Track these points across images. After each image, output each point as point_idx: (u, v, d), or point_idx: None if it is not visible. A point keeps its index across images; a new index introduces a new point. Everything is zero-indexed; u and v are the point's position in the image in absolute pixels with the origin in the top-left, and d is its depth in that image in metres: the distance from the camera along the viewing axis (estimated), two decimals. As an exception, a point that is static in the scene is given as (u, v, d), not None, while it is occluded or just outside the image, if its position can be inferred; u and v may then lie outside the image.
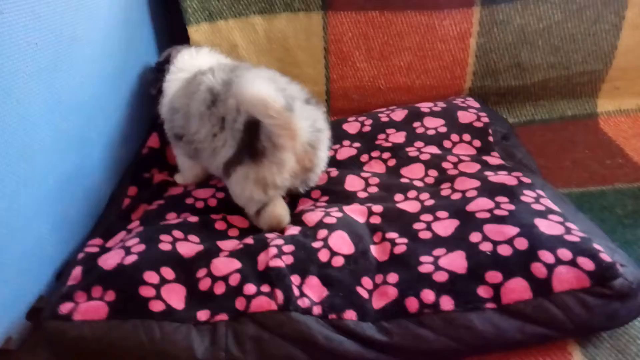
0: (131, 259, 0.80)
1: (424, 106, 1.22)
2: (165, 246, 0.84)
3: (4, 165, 0.75)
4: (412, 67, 1.34)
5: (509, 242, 0.76)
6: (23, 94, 0.79)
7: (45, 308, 0.77)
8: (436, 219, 0.87)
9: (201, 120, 0.93)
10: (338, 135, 1.18)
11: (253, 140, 0.86)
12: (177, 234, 0.88)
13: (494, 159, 1.05)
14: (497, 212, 0.84)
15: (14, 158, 0.77)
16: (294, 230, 0.89)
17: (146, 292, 0.76)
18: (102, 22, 1.05)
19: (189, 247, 0.85)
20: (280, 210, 0.93)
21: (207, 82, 0.95)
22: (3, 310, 0.76)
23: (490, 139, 1.12)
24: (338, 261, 0.80)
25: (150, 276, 0.78)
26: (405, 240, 0.84)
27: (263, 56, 1.36)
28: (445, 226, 0.85)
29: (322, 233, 0.85)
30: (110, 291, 0.76)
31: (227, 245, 0.87)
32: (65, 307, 0.75)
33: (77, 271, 0.83)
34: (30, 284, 0.83)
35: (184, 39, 1.31)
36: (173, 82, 1.08)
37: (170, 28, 1.40)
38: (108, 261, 0.80)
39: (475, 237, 0.80)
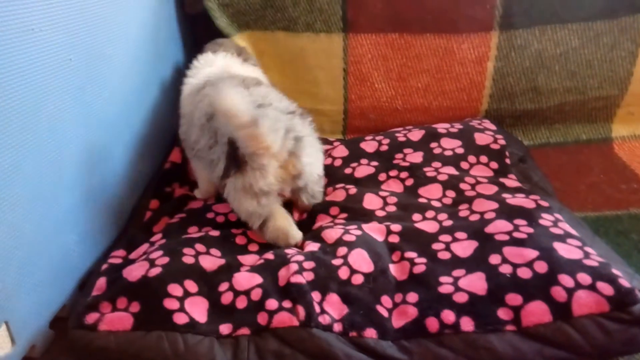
0: (155, 271, 0.82)
1: (441, 127, 1.24)
2: (188, 259, 0.86)
3: (37, 178, 0.78)
4: (430, 88, 1.36)
5: (529, 265, 0.77)
6: (55, 108, 0.82)
7: (70, 317, 0.79)
8: (455, 239, 0.88)
9: (201, 131, 0.96)
10: (356, 154, 1.21)
11: (236, 151, 0.88)
12: (200, 247, 0.90)
13: (511, 182, 1.06)
14: (516, 234, 0.85)
15: (46, 171, 0.80)
16: (314, 246, 0.91)
17: (170, 304, 0.77)
18: (132, 39, 1.08)
19: (211, 261, 0.87)
20: (282, 222, 0.94)
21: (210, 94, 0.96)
22: (28, 319, 0.78)
23: (507, 161, 1.13)
24: (358, 279, 0.82)
25: (174, 289, 0.79)
26: (424, 260, 0.85)
27: (285, 71, 1.39)
28: (464, 247, 0.86)
29: (342, 250, 0.87)
30: (135, 302, 0.78)
31: (248, 259, 0.89)
32: (91, 317, 0.76)
33: (101, 282, 0.85)
34: (55, 294, 0.85)
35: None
36: (187, 85, 1.11)
37: (198, 43, 1.43)
38: (133, 273, 0.82)
39: (494, 259, 0.81)
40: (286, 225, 0.94)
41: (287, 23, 1.33)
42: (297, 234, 0.95)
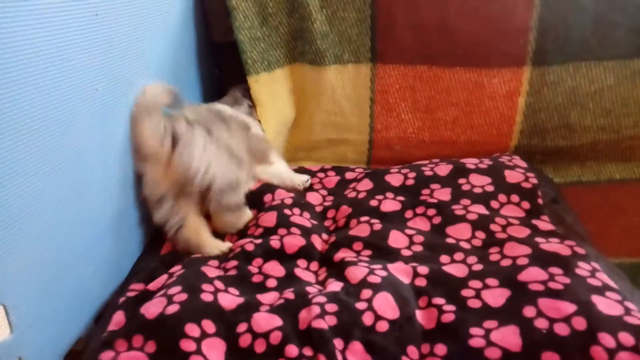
0: (173, 308, 0.79)
1: (470, 162, 1.20)
2: (207, 296, 0.83)
3: (58, 207, 0.76)
4: (458, 121, 1.33)
5: (566, 320, 0.73)
6: (80, 135, 0.81)
7: (85, 353, 0.77)
8: (485, 286, 0.84)
9: None
10: (381, 187, 1.18)
11: None
12: (219, 284, 0.87)
13: (544, 224, 1.02)
14: (552, 285, 0.81)
15: (67, 200, 0.79)
16: (336, 286, 0.87)
17: (187, 345, 0.74)
18: (153, 68, 1.08)
19: (230, 300, 0.84)
20: (190, 232, 0.95)
21: None
22: (42, 351, 0.76)
23: (540, 201, 1.09)
24: (383, 326, 0.78)
25: (192, 329, 0.76)
26: (453, 307, 0.81)
27: (309, 104, 1.37)
28: (496, 295, 0.82)
29: (366, 293, 0.83)
30: (151, 342, 0.75)
31: (267, 298, 0.86)
32: (106, 356, 0.74)
33: (118, 316, 0.83)
34: (70, 327, 0.83)
35: (229, 83, 1.37)
36: None
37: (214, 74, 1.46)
38: (150, 309, 0.80)
39: (529, 311, 0.76)
40: (194, 236, 0.94)
41: (313, 56, 1.32)
42: (211, 248, 0.95)
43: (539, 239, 0.95)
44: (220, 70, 1.48)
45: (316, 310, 0.79)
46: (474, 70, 1.28)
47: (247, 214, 1.11)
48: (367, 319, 0.79)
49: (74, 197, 0.80)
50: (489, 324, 0.76)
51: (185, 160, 0.94)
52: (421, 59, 1.29)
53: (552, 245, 0.92)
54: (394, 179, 1.20)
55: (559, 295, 0.78)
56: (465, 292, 0.84)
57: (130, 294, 0.89)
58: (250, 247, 0.99)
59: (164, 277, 0.91)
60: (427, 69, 1.30)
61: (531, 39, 1.24)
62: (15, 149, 0.67)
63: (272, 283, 0.92)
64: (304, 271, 0.96)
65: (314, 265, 0.99)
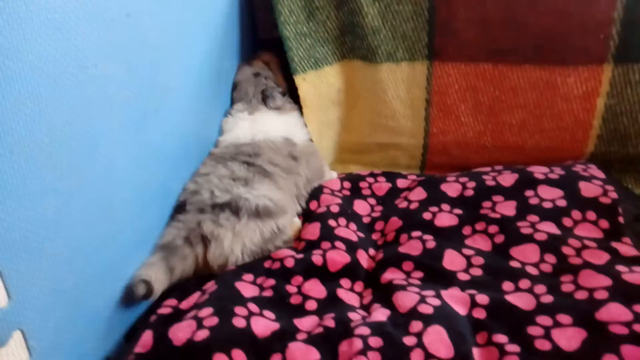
0: (202, 334, 0.73)
1: (538, 171, 1.07)
2: (239, 321, 0.76)
3: (84, 223, 0.71)
4: (526, 125, 1.20)
5: (659, 377, 0.61)
6: (111, 146, 0.76)
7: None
8: (557, 324, 0.73)
9: None
10: (436, 197, 1.07)
11: None
12: (253, 307, 0.80)
13: (626, 248, 0.88)
14: (638, 328, 0.68)
15: (95, 216, 0.73)
16: (382, 314, 0.78)
17: (214, 378, 0.68)
18: (194, 70, 1.02)
19: (264, 325, 0.77)
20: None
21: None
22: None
23: (621, 219, 0.94)
24: (434, 367, 0.68)
25: (220, 359, 0.70)
26: (517, 348, 0.70)
27: (359, 104, 1.28)
28: (569, 337, 0.70)
29: (416, 326, 0.74)
30: (177, 372, 0.69)
31: (305, 324, 0.78)
32: (127, 384, 0.68)
33: (147, 336, 0.77)
34: (96, 347, 0.78)
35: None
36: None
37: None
38: (178, 335, 0.73)
39: (610, 361, 0.64)
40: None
41: (364, 52, 1.22)
42: None
43: (620, 268, 0.81)
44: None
45: (358, 344, 0.70)
46: (545, 68, 1.14)
47: (295, 224, 1.06)
48: (416, 357, 0.69)
49: (102, 214, 0.75)
50: (561, 373, 0.65)
51: (220, 258, 0.93)
52: (485, 56, 1.16)
53: (638, 277, 0.78)
54: (451, 188, 1.09)
55: (647, 343, 0.65)
56: (532, 330, 0.72)
57: (163, 311, 0.84)
58: (290, 263, 0.92)
59: (197, 294, 0.86)
60: (491, 67, 1.17)
61: (613, 32, 1.09)
62: (34, 166, 0.61)
63: (311, 305, 0.84)
64: (347, 292, 0.88)
65: (359, 286, 0.90)
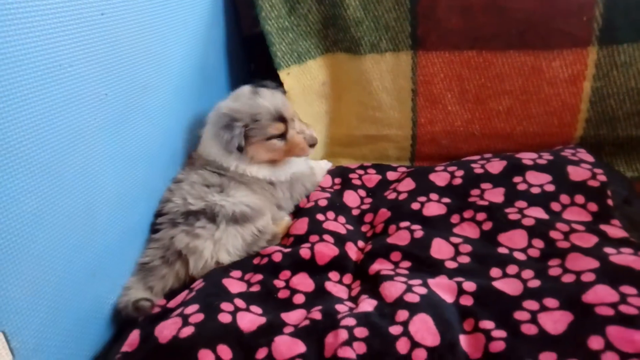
0: (188, 331, 0.73)
1: (526, 157, 1.06)
2: (224, 317, 0.76)
3: (64, 224, 0.71)
4: (513, 112, 1.19)
5: (643, 356, 0.60)
6: (89, 146, 0.76)
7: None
8: (543, 308, 0.72)
9: None
10: (424, 187, 1.06)
11: None
12: (239, 302, 0.80)
13: (614, 230, 0.88)
14: (623, 308, 0.67)
15: (75, 217, 0.73)
16: (369, 305, 0.78)
17: (199, 374, 0.68)
18: (176, 70, 1.01)
19: (250, 320, 0.76)
20: None
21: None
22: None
23: (609, 202, 0.94)
24: (420, 355, 0.68)
25: (205, 355, 0.69)
26: (503, 333, 0.69)
27: (345, 97, 1.28)
28: (555, 320, 0.70)
29: (402, 315, 0.73)
30: (162, 369, 0.69)
31: (292, 318, 0.78)
32: (113, 383, 0.68)
33: (134, 336, 0.77)
34: (82, 347, 0.78)
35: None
36: None
37: (249, 73, 1.37)
38: (164, 332, 0.73)
39: (595, 342, 0.64)
40: None
41: (348, 44, 1.21)
42: None
43: (608, 250, 0.81)
44: (256, 65, 1.40)
45: (344, 335, 0.70)
46: (530, 53, 1.13)
47: (285, 222, 1.05)
48: (402, 346, 0.69)
49: (82, 214, 0.75)
50: (546, 356, 0.65)
51: (203, 271, 0.92)
52: (469, 43, 1.16)
53: (625, 258, 0.78)
54: (439, 177, 1.08)
55: (632, 323, 0.65)
56: (519, 315, 0.72)
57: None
58: (278, 258, 0.91)
59: (184, 292, 0.86)
60: (475, 54, 1.16)
61: (597, 14, 1.08)
62: (11, 165, 0.61)
63: (299, 299, 0.84)
64: (335, 285, 0.88)
65: (347, 278, 0.90)
